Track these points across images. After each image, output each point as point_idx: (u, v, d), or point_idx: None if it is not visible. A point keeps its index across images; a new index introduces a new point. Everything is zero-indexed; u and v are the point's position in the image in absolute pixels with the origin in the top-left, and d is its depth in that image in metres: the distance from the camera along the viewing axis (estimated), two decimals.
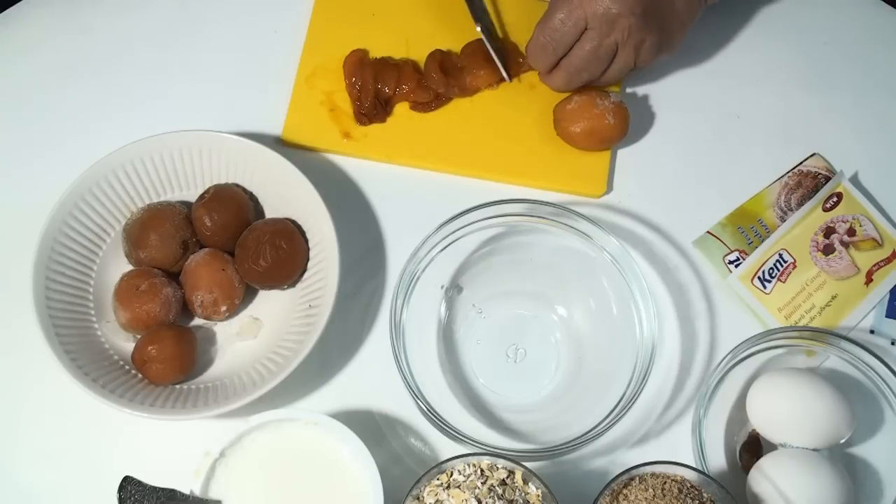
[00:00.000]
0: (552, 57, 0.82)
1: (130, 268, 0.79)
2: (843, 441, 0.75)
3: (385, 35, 0.88)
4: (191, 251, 0.80)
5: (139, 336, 0.77)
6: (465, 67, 0.86)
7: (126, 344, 0.78)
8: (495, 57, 0.86)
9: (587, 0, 0.79)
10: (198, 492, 0.70)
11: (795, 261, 0.83)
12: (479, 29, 0.86)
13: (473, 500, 0.69)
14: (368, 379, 0.79)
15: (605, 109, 0.82)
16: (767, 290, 0.82)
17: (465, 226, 0.78)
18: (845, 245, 0.84)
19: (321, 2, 0.89)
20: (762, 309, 0.82)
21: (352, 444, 0.70)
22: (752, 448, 0.77)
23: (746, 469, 0.76)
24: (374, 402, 0.79)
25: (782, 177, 0.86)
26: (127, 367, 0.77)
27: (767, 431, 0.76)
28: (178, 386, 0.77)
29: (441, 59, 0.86)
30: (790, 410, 0.74)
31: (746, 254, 0.83)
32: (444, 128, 0.86)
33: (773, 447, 0.76)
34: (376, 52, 0.87)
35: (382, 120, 0.86)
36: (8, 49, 0.88)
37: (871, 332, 0.82)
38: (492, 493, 0.69)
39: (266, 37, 0.89)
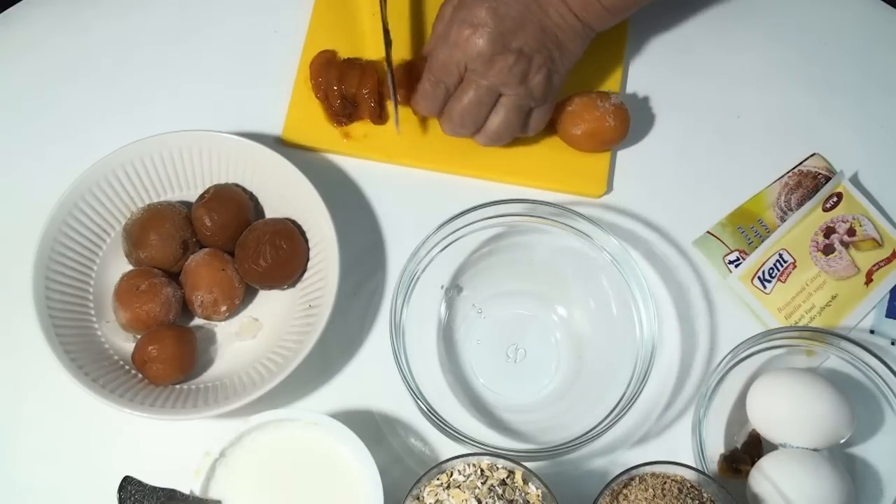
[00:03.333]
0: (437, 103, 0.80)
1: (130, 268, 0.79)
2: (843, 441, 0.75)
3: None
4: (191, 251, 0.80)
5: (139, 336, 0.77)
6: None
7: (126, 344, 0.78)
8: (392, 93, 0.83)
9: (462, 43, 0.75)
10: (198, 492, 0.70)
11: (795, 261, 0.83)
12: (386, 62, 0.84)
13: (473, 500, 0.69)
14: (368, 379, 0.79)
15: (605, 111, 0.82)
16: (767, 290, 0.82)
17: (465, 226, 0.78)
18: (845, 245, 0.84)
19: (321, 2, 0.89)
20: (762, 309, 0.82)
21: (352, 444, 0.70)
22: (753, 448, 0.77)
23: (724, 473, 0.76)
24: (374, 402, 0.79)
25: (782, 177, 0.86)
26: (127, 367, 0.77)
27: (767, 431, 0.76)
28: (178, 386, 0.77)
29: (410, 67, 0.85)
30: (790, 410, 0.74)
31: (746, 254, 0.83)
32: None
33: (773, 447, 0.76)
34: (376, 53, 0.87)
35: (358, 119, 0.85)
36: (8, 49, 0.88)
37: (871, 332, 0.82)
38: (492, 493, 0.69)
39: (266, 37, 0.89)
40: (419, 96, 0.81)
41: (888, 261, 0.84)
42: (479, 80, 0.77)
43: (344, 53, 0.87)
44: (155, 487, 0.69)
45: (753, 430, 0.77)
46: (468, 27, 0.75)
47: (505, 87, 0.77)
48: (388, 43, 0.83)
